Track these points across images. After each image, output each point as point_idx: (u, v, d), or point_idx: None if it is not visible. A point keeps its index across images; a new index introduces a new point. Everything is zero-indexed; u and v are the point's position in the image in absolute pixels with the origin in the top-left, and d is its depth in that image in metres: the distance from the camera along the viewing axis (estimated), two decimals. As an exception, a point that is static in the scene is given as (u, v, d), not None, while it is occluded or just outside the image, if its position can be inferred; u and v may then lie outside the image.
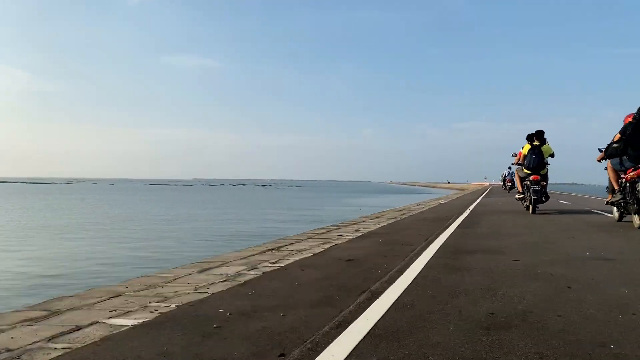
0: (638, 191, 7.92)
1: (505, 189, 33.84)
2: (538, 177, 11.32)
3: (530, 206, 11.50)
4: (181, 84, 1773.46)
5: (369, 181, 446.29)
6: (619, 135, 8.42)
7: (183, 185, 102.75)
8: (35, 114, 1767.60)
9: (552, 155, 11.79)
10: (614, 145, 8.45)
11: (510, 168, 29.90)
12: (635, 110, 8.06)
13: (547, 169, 11.82)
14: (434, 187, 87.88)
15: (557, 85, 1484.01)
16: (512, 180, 28.74)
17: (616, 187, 8.80)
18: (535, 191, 11.32)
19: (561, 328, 2.42)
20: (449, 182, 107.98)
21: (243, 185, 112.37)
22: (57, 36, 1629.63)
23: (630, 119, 8.27)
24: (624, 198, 8.43)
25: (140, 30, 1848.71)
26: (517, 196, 13.24)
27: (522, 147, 12.25)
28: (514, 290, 3.30)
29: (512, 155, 13.00)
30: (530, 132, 11.80)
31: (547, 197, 11.86)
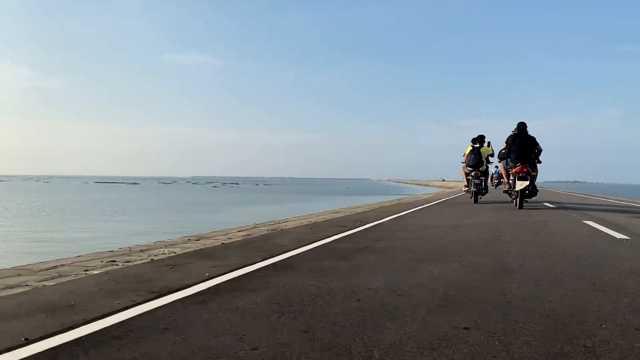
0: (516, 184, 11.33)
1: (492, 185, 35.07)
2: (478, 173, 13.99)
3: (473, 197, 14.21)
4: (184, 82, 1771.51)
5: (369, 179, 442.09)
6: (505, 145, 11.88)
7: (133, 183, 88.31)
8: (35, 110, 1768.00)
9: (491, 155, 14.40)
10: (502, 151, 12.03)
11: (497, 167, 27.77)
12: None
13: (487, 167, 14.56)
14: (425, 185, 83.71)
15: (559, 83, 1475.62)
16: (498, 177, 30.62)
17: (506, 181, 12.64)
18: (475, 184, 14.02)
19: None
20: (443, 180, 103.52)
21: (212, 184, 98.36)
22: (59, 33, 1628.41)
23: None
24: (510, 188, 12.12)
25: (143, 27, 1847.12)
26: (463, 188, 15.92)
27: (466, 149, 14.56)
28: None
29: (462, 155, 14.73)
30: (474, 137, 14.39)
31: (487, 190, 14.75)
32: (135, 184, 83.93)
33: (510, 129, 12.44)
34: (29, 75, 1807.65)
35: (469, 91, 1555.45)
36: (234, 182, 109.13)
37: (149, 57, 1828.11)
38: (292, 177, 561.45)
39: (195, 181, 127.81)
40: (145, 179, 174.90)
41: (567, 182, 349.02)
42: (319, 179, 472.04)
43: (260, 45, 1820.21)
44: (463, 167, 14.80)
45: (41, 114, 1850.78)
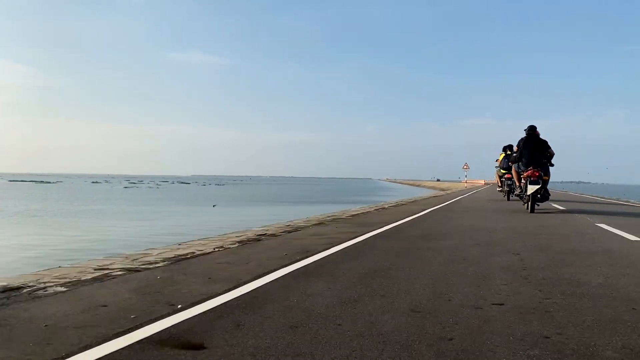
0: (527, 188, 11.27)
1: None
2: (510, 176, 15.48)
3: (506, 195, 17.06)
4: (187, 81, 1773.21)
5: (370, 178, 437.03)
6: (517, 148, 12.31)
7: (53, 182, 74.37)
8: (37, 109, 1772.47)
9: None
10: (514, 154, 12.52)
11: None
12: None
13: None
14: (418, 185, 78.60)
15: (562, 82, 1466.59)
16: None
17: (517, 184, 12.88)
18: (508, 185, 16.58)
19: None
20: (438, 180, 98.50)
21: (163, 181, 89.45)
22: (62, 32, 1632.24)
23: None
24: (521, 191, 12.20)
25: (146, 26, 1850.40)
26: (497, 189, 19.16)
27: (499, 155, 17.61)
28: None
29: (496, 161, 17.94)
30: (505, 145, 16.80)
31: None
32: (55, 182, 72.34)
33: (513, 129, 13.16)
34: (32, 73, 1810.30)
35: (472, 91, 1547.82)
36: (184, 182, 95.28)
37: (153, 56, 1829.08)
38: (292, 177, 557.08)
39: (149, 180, 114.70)
40: (114, 176, 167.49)
41: (571, 182, 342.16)
42: (320, 178, 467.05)
43: (263, 45, 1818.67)
44: (497, 170, 17.98)
45: (43, 112, 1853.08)
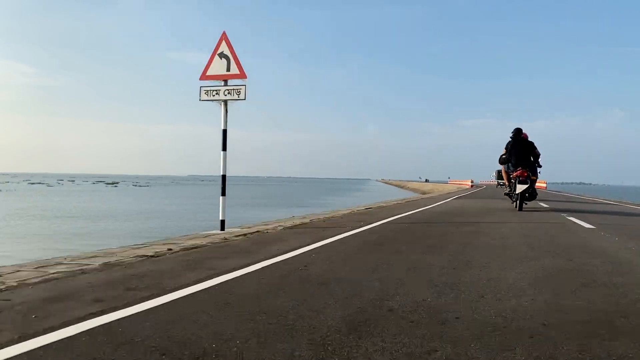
0: (516, 187, 11.85)
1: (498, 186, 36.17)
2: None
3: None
4: (187, 80, 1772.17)
5: (369, 179, 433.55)
6: (505, 150, 12.54)
7: None
8: (37, 108, 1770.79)
9: None
10: (503, 156, 12.67)
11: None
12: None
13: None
14: (402, 187, 74.28)
15: (562, 84, 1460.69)
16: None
17: (507, 184, 13.30)
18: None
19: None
20: (426, 180, 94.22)
21: (104, 182, 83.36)
22: (63, 31, 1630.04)
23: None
24: (511, 191, 12.71)
25: (147, 25, 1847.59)
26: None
27: None
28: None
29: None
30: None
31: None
32: None
33: (512, 130, 12.67)
34: (32, 72, 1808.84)
35: (473, 92, 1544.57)
36: (114, 182, 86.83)
37: (153, 55, 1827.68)
38: (290, 177, 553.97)
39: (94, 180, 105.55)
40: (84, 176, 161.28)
41: (572, 183, 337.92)
42: (318, 178, 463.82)
43: (263, 45, 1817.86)
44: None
45: (43, 111, 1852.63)
